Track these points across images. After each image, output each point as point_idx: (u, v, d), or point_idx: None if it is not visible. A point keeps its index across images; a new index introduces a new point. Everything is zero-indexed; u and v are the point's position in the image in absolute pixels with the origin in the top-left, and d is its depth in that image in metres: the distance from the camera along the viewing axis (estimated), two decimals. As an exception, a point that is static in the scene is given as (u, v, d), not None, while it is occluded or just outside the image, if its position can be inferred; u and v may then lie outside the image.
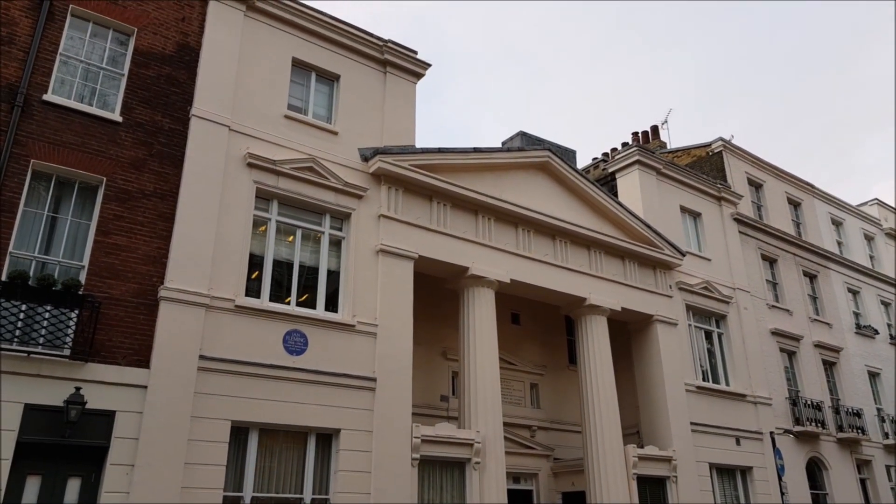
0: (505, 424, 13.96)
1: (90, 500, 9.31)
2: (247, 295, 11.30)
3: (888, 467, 21.97)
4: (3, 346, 8.91)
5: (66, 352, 9.35)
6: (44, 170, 10.24)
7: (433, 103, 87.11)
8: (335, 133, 13.31)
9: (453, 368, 15.34)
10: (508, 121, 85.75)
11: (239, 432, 10.64)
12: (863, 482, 21.02)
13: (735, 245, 20.32)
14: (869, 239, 26.86)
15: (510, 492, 14.47)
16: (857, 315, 24.19)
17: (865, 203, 28.58)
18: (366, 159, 13.31)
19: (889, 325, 25.31)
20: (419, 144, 16.55)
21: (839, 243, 25.29)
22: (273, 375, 10.94)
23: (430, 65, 15.09)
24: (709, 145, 22.85)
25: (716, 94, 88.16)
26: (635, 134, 25.54)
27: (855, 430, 20.88)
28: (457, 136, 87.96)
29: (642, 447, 15.55)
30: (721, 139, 22.46)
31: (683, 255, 17.78)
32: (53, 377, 9.23)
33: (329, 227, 12.66)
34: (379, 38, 14.47)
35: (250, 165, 11.87)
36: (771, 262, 21.79)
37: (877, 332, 24.15)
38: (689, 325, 17.91)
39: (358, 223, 12.81)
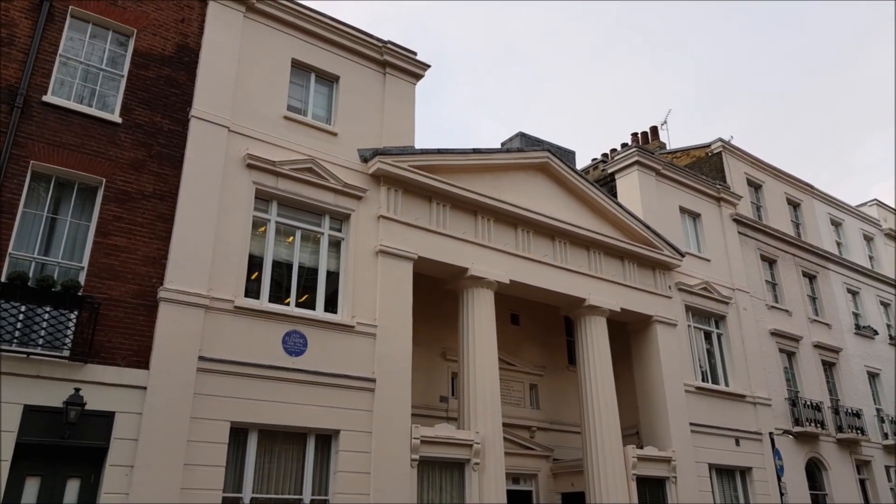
0: (504, 425, 13.96)
1: (89, 501, 9.31)
2: (246, 296, 11.31)
3: (887, 468, 21.97)
4: (2, 347, 8.92)
5: (66, 353, 9.36)
6: (43, 171, 10.24)
7: (433, 104, 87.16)
8: (334, 134, 13.32)
9: (453, 369, 15.35)
10: (508, 121, 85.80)
11: (238, 433, 10.65)
12: (862, 483, 21.03)
13: (734, 246, 20.34)
14: (868, 239, 26.87)
15: (509, 492, 14.46)
16: (856, 315, 24.21)
17: (865, 204, 28.60)
18: (365, 160, 13.32)
19: (888, 326, 25.32)
20: (419, 145, 16.57)
21: (838, 244, 25.30)
22: (272, 376, 10.95)
23: (429, 66, 15.11)
24: (708, 146, 22.86)
25: (716, 94, 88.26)
26: (634, 135, 25.57)
27: (854, 431, 20.89)
28: (456, 136, 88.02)
29: (642, 448, 15.55)
30: (720, 140, 22.47)
31: (683, 256, 17.79)
32: (53, 378, 9.24)
33: (328, 228, 12.67)
34: (378, 39, 14.48)
35: (250, 166, 11.88)
36: (770, 262, 21.80)
37: (876, 333, 24.17)
38: (689, 325, 17.92)
39: (357, 224, 12.82)
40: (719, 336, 18.71)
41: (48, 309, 9.33)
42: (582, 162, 25.07)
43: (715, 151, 22.47)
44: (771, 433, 17.70)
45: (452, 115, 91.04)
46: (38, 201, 10.19)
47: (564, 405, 17.37)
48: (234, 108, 12.16)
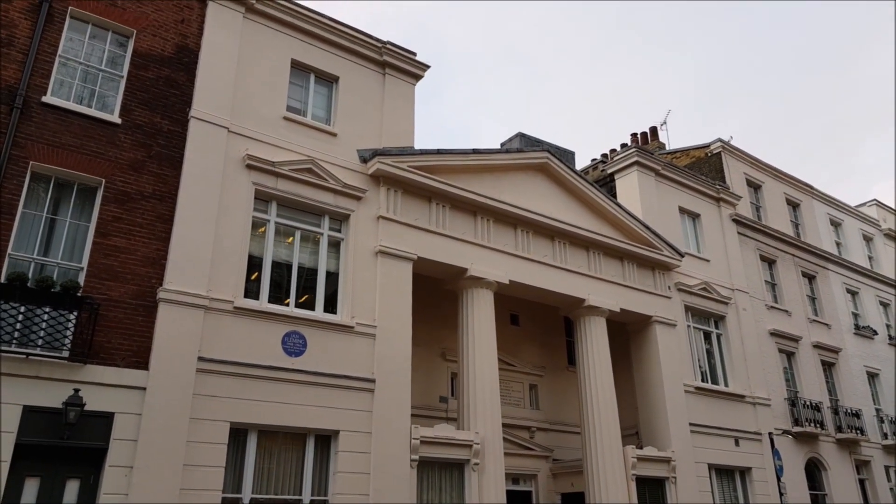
0: (504, 425, 13.96)
1: (89, 501, 9.31)
2: (246, 296, 11.31)
3: (887, 468, 21.98)
4: (2, 347, 8.92)
5: (65, 353, 9.36)
6: (43, 171, 10.24)
7: (433, 104, 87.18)
8: (334, 134, 13.32)
9: (452, 369, 15.35)
10: (508, 121, 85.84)
11: (238, 434, 10.65)
12: (862, 483, 21.03)
13: (734, 246, 20.35)
14: (868, 240, 26.88)
15: (509, 493, 14.47)
16: (855, 316, 24.21)
17: (864, 204, 28.61)
18: (365, 161, 13.32)
19: (888, 326, 25.33)
20: (418, 145, 16.58)
21: (838, 244, 25.31)
22: (272, 377, 10.95)
23: (428, 66, 15.11)
24: (707, 146, 22.87)
25: (716, 94, 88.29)
26: (634, 135, 25.57)
27: (854, 431, 20.89)
28: (456, 136, 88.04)
29: (641, 448, 15.56)
30: (720, 140, 22.48)
31: (682, 256, 17.80)
32: (52, 379, 9.24)
33: (328, 229, 12.67)
34: (378, 40, 14.48)
35: (249, 167, 11.88)
36: (770, 262, 21.81)
37: (875, 333, 24.18)
38: (688, 325, 17.93)
39: (357, 224, 12.82)
40: (719, 336, 18.72)
41: (48, 310, 9.33)
42: (581, 162, 25.08)
43: (714, 152, 22.48)
44: (770, 433, 17.71)
45: (452, 115, 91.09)
46: (37, 202, 10.20)
47: (564, 405, 17.38)
48: (234, 109, 12.16)
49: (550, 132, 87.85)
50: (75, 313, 9.52)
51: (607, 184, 19.59)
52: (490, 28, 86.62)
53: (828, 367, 21.99)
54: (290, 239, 12.33)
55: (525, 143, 17.52)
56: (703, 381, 17.68)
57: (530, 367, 17.20)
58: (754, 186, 22.94)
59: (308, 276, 12.30)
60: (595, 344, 15.56)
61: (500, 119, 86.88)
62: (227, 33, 12.53)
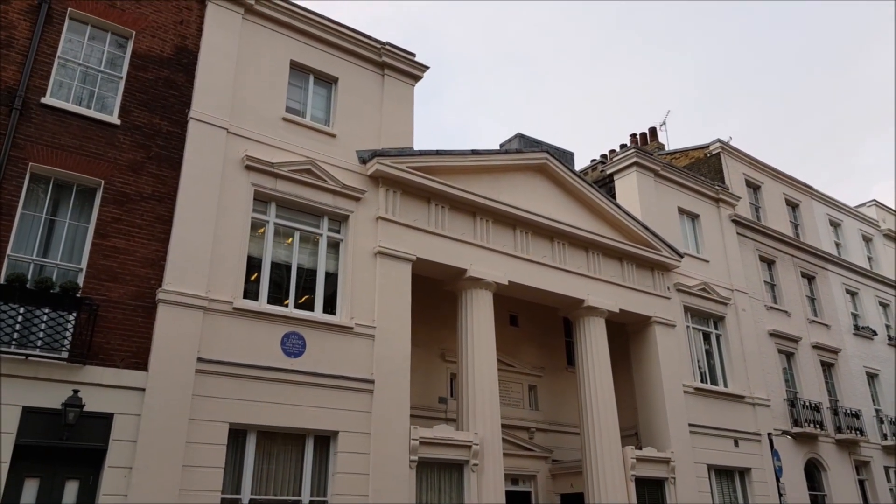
0: (503, 426, 13.96)
1: (88, 502, 9.31)
2: (245, 297, 11.32)
3: (887, 468, 21.98)
4: (1, 348, 8.92)
5: (64, 354, 9.36)
6: (42, 172, 10.25)
7: (432, 104, 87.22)
8: (333, 135, 13.33)
9: (451, 370, 15.35)
10: (508, 122, 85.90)
11: (237, 434, 10.65)
12: (861, 483, 21.03)
13: (733, 246, 20.35)
14: (867, 240, 26.89)
15: (508, 493, 14.46)
16: (855, 316, 24.22)
17: (863, 204, 28.62)
18: (364, 161, 13.33)
19: (887, 327, 25.33)
20: (418, 146, 16.59)
21: (837, 245, 25.32)
22: (271, 378, 10.95)
23: (427, 67, 15.12)
24: (707, 147, 22.88)
25: (716, 94, 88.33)
26: (633, 136, 25.59)
27: (853, 432, 20.89)
28: (456, 137, 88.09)
29: (641, 449, 15.56)
30: (719, 141, 22.49)
31: (681, 257, 17.80)
32: (51, 380, 9.25)
33: (327, 230, 12.68)
34: (377, 41, 14.49)
35: (248, 168, 11.89)
36: (769, 263, 21.82)
37: (875, 334, 24.18)
38: (688, 326, 17.93)
39: (356, 225, 12.83)
40: (718, 337, 18.72)
41: (47, 310, 9.34)
42: (581, 163, 25.10)
43: (713, 152, 22.49)
44: (770, 434, 17.72)
45: (452, 115, 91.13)
46: (36, 203, 10.20)
47: (563, 406, 17.38)
48: (233, 110, 12.17)
49: (550, 132, 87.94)
50: (74, 314, 9.53)
51: (606, 184, 19.60)
52: (490, 28, 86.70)
53: (827, 367, 21.99)
54: (290, 240, 12.34)
55: (524, 143, 17.53)
56: (702, 381, 17.69)
57: (529, 368, 17.20)
58: (753, 187, 22.95)
59: (307, 276, 12.31)
60: (594, 344, 15.56)
61: (500, 119, 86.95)
62: (227, 34, 12.54)
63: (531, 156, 15.84)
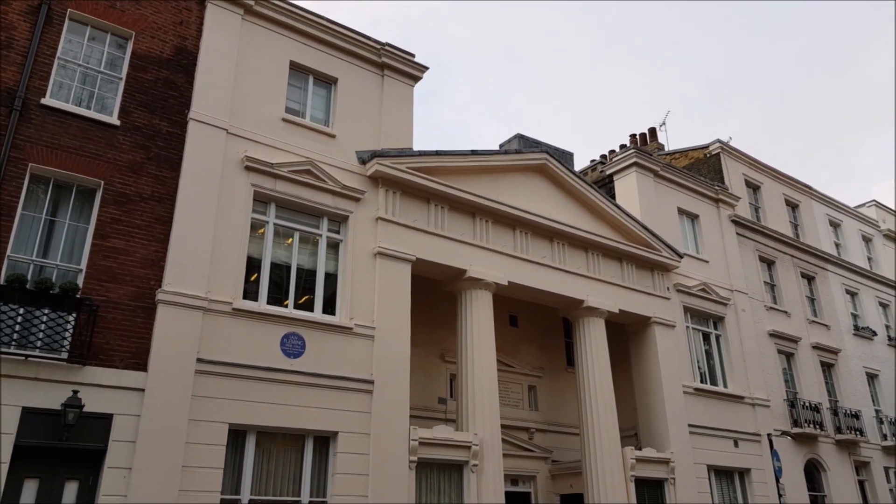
0: (503, 427, 13.96)
1: (88, 503, 9.32)
2: (244, 298, 11.32)
3: (886, 469, 21.97)
4: (1, 349, 8.93)
5: (64, 355, 9.37)
6: (42, 173, 10.26)
7: (432, 105, 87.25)
8: (333, 136, 13.34)
9: (451, 371, 15.36)
10: (507, 122, 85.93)
11: (236, 435, 10.66)
12: (861, 484, 21.03)
13: (733, 247, 20.36)
14: (867, 240, 26.90)
15: (508, 494, 14.47)
16: (855, 317, 24.21)
17: (863, 205, 28.62)
18: (363, 162, 13.34)
19: (887, 327, 25.33)
20: (418, 146, 16.60)
21: (837, 245, 25.32)
22: (270, 378, 10.96)
23: (427, 68, 15.13)
24: (706, 147, 22.89)
25: (716, 94, 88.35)
26: (633, 136, 25.61)
27: (853, 432, 20.89)
28: (455, 137, 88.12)
29: (640, 449, 15.56)
30: (719, 141, 22.50)
31: (681, 257, 17.81)
32: (51, 380, 9.25)
33: (327, 230, 12.69)
34: (376, 42, 14.50)
35: (248, 168, 11.89)
36: (769, 263, 21.82)
37: (875, 334, 24.18)
38: (687, 326, 17.94)
39: (355, 226, 12.84)
40: (718, 337, 18.73)
41: (46, 311, 9.35)
42: (581, 163, 25.12)
43: (713, 153, 22.49)
44: (769, 434, 17.72)
45: (452, 115, 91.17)
46: (36, 203, 10.21)
47: (563, 406, 17.38)
48: (233, 111, 12.18)
49: (550, 133, 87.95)
50: (74, 315, 9.54)
51: (606, 185, 19.61)
52: (490, 28, 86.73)
53: (827, 367, 21.99)
54: (289, 240, 12.34)
55: (524, 144, 17.55)
56: (702, 382, 17.69)
57: (529, 368, 17.20)
58: (753, 187, 22.95)
59: (307, 277, 12.32)
60: (594, 345, 15.57)
61: (500, 119, 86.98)
62: (226, 35, 12.55)
63: (531, 156, 15.85)
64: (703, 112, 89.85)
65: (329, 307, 12.26)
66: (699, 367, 17.88)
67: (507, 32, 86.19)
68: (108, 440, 9.46)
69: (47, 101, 10.44)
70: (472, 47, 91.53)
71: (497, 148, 17.88)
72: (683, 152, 23.83)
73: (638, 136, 25.54)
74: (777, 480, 16.91)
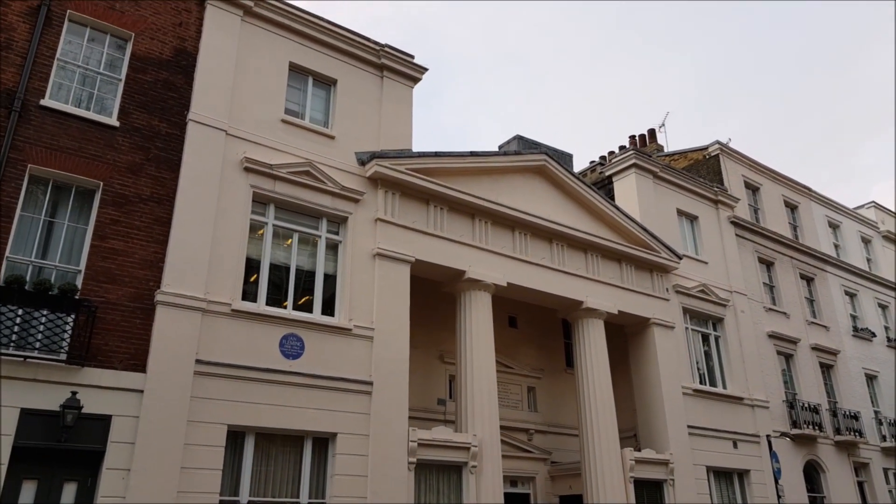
0: (502, 428, 13.98)
1: (86, 504, 9.32)
2: (243, 299, 11.32)
3: (886, 470, 21.98)
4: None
5: (63, 356, 9.36)
6: (41, 174, 10.26)
7: (432, 105, 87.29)
8: (332, 137, 13.34)
9: (450, 372, 15.36)
10: (507, 122, 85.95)
11: (235, 436, 10.66)
12: (860, 485, 21.03)
13: (732, 248, 20.37)
14: (866, 242, 26.91)
15: (507, 495, 14.47)
16: (854, 318, 24.22)
17: (862, 206, 28.65)
18: (362, 163, 13.34)
19: (886, 328, 25.34)
20: (417, 147, 16.60)
21: (836, 246, 25.34)
22: (269, 379, 10.96)
23: (426, 69, 15.14)
24: (705, 149, 22.90)
25: (716, 94, 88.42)
26: (632, 137, 25.63)
27: (852, 433, 20.89)
28: (455, 137, 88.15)
29: (639, 450, 15.56)
30: (718, 142, 22.51)
31: (680, 259, 17.81)
32: (50, 382, 9.25)
33: (326, 231, 12.69)
34: (376, 43, 14.51)
35: (247, 170, 11.90)
36: (768, 264, 21.83)
37: (874, 335, 24.19)
38: (686, 328, 17.94)
39: (355, 227, 12.84)
40: (717, 338, 18.73)
41: (45, 312, 9.34)
42: (580, 164, 25.11)
43: (712, 154, 22.50)
44: (768, 435, 17.72)
45: (452, 115, 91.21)
46: (35, 205, 10.21)
47: (562, 408, 17.38)
48: (232, 112, 12.18)
49: (550, 133, 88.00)
50: (73, 316, 9.53)
51: (605, 186, 19.62)
52: (490, 28, 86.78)
53: (826, 369, 22.00)
54: (288, 241, 12.35)
55: (523, 145, 17.56)
56: (701, 383, 17.69)
57: (528, 370, 17.20)
58: (752, 188, 22.97)
59: (306, 278, 12.32)
60: (593, 346, 15.57)
61: (500, 120, 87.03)
62: (226, 36, 12.55)
63: (530, 157, 15.86)
64: (702, 112, 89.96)
65: (328, 308, 12.26)
66: (698, 369, 17.88)
67: (507, 33, 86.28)
68: (107, 441, 9.45)
69: (47, 102, 10.44)
70: (471, 47, 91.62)
71: (496, 149, 17.89)
72: (683, 153, 23.84)
73: (637, 138, 25.56)
74: (776, 482, 16.91)
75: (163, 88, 11.69)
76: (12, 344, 9.03)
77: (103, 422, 9.49)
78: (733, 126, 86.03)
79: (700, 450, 16.55)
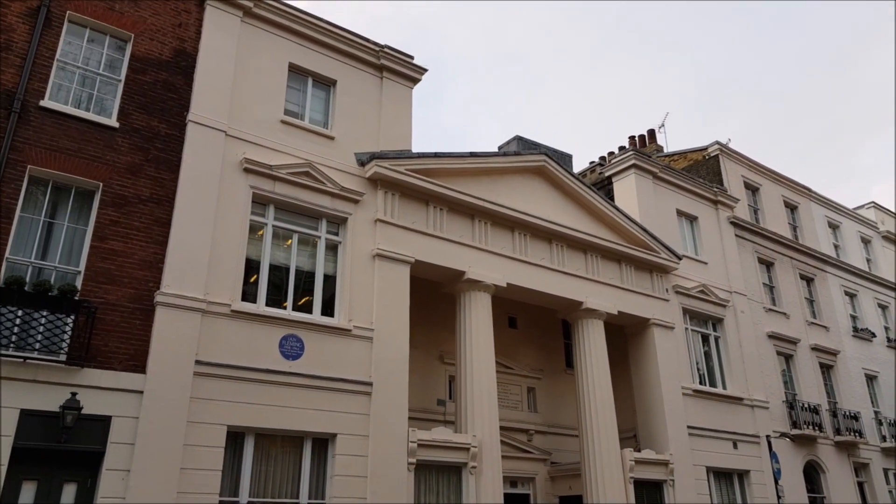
0: (502, 428, 13.97)
1: (86, 505, 9.32)
2: (243, 300, 11.32)
3: (886, 470, 21.98)
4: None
5: (62, 357, 9.36)
6: (41, 175, 10.26)
7: (432, 105, 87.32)
8: (332, 138, 13.35)
9: (450, 372, 15.36)
10: (507, 123, 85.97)
11: (235, 437, 10.66)
12: (860, 485, 21.03)
13: (732, 248, 20.37)
14: (866, 242, 26.92)
15: (507, 496, 14.46)
16: (854, 318, 24.22)
17: (862, 206, 28.66)
18: (362, 164, 13.35)
19: (886, 329, 25.34)
20: (417, 147, 16.61)
21: (836, 246, 25.34)
22: (269, 380, 10.96)
23: (426, 70, 15.15)
24: (705, 149, 22.91)
25: (716, 94, 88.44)
26: (632, 138, 25.63)
27: (852, 434, 20.89)
28: (455, 137, 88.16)
29: (639, 451, 15.56)
30: (717, 143, 22.51)
31: (680, 259, 17.82)
32: (49, 382, 9.25)
33: (325, 232, 12.69)
34: (375, 44, 14.52)
35: (247, 170, 11.90)
36: (768, 265, 21.83)
37: (874, 336, 24.19)
38: (686, 328, 17.94)
39: (354, 228, 12.85)
40: (717, 339, 18.73)
41: (45, 313, 9.35)
42: (580, 165, 25.11)
43: (712, 154, 22.51)
44: (768, 436, 17.71)
45: (452, 116, 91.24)
46: (35, 206, 10.21)
47: (562, 408, 17.38)
48: (232, 113, 12.19)
49: (549, 133, 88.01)
50: (73, 317, 9.54)
51: (605, 187, 19.62)
52: (490, 29, 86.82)
53: (826, 369, 22.00)
54: (288, 242, 12.35)
55: (522, 146, 17.56)
56: (700, 383, 17.69)
57: (528, 370, 17.21)
58: (752, 189, 22.97)
59: (306, 279, 12.32)
60: (593, 346, 15.57)
61: (500, 120, 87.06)
62: (225, 37, 12.56)
63: (529, 158, 15.86)
64: (702, 112, 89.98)
65: (328, 309, 12.26)
66: (698, 369, 17.88)
67: (507, 33, 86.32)
68: (107, 442, 9.46)
69: (46, 103, 10.45)
70: (471, 48, 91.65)
71: (496, 150, 17.89)
72: (682, 154, 23.85)
73: (637, 138, 25.56)
74: (776, 482, 16.91)
75: (162, 89, 11.69)
76: (12, 345, 9.04)
77: (103, 422, 9.50)
78: (733, 126, 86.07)
79: (700, 450, 16.55)
